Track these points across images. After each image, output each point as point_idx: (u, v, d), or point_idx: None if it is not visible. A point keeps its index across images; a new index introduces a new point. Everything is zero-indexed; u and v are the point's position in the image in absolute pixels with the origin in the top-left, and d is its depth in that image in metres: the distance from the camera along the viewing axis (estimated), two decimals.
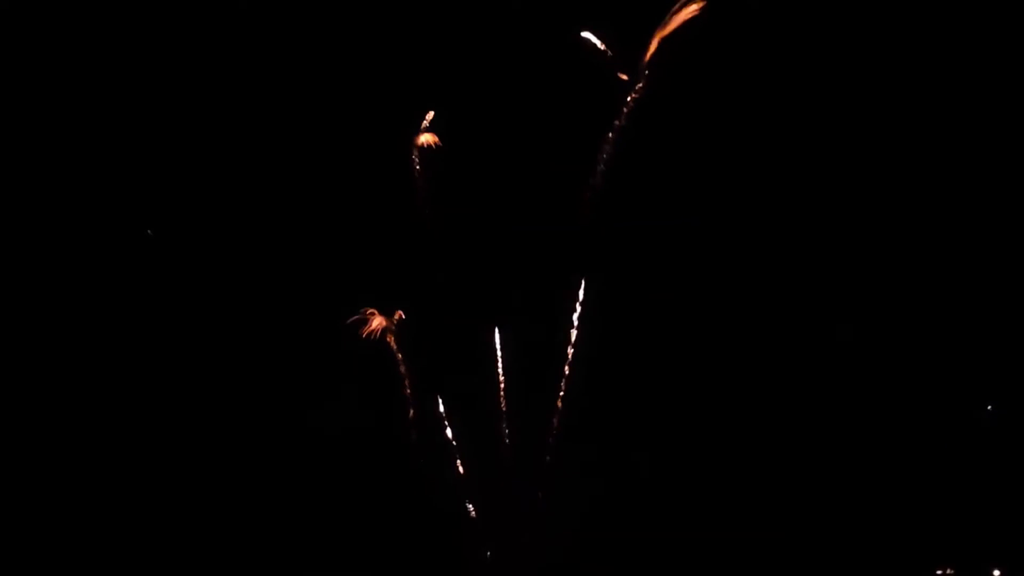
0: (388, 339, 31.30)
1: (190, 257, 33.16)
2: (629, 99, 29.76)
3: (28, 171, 32.80)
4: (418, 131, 31.36)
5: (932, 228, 32.08)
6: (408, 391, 31.84)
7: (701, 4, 28.14)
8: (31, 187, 32.79)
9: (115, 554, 31.36)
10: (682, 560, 31.80)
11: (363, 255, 32.28)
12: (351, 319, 30.96)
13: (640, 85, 29.47)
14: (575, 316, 31.91)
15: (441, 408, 31.93)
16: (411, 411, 31.76)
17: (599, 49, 29.72)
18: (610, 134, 30.66)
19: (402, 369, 31.75)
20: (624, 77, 29.52)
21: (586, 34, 29.53)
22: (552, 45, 30.84)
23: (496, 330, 32.21)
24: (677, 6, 28.47)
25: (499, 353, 32.31)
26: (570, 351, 31.89)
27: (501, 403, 32.36)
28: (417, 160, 31.56)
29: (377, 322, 30.96)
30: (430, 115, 31.39)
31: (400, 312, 31.52)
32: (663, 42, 28.69)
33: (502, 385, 32.36)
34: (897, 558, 31.35)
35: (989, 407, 31.89)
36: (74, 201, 32.97)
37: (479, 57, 32.37)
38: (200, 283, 32.81)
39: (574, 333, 31.94)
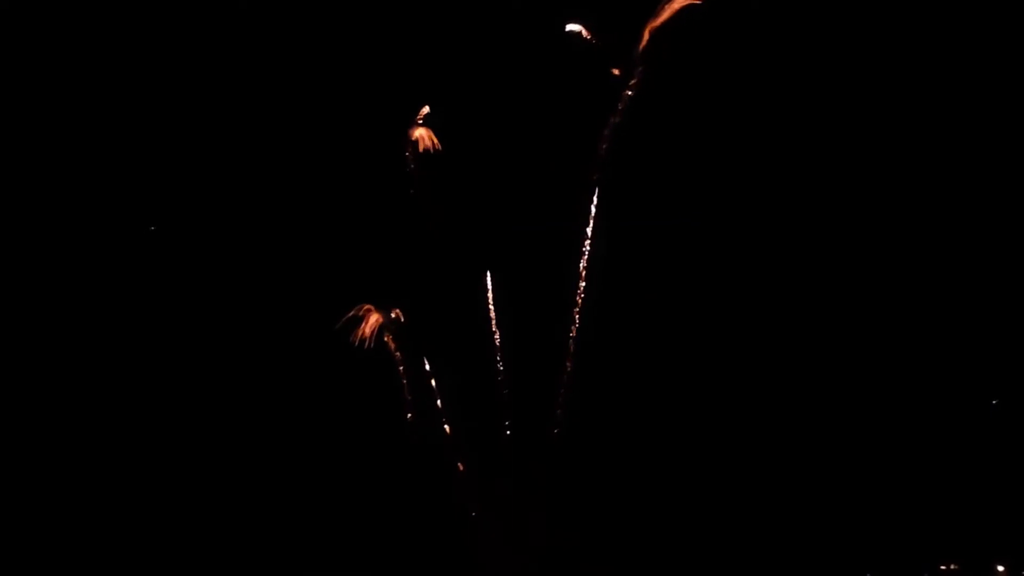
0: (386, 338, 30.98)
1: (191, 254, 33.15)
2: (625, 94, 29.47)
3: (30, 170, 32.93)
4: (413, 125, 31.06)
5: (932, 226, 31.80)
6: (406, 390, 31.53)
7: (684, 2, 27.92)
8: (33, 186, 32.92)
9: (115, 554, 31.35)
10: (683, 560, 31.55)
11: (362, 253, 32.12)
12: (347, 316, 30.58)
13: (634, 81, 29.15)
14: (575, 315, 31.64)
15: (439, 404, 31.59)
16: (409, 413, 31.48)
17: (592, 43, 29.44)
18: (606, 131, 30.44)
19: (400, 369, 31.46)
20: (616, 72, 29.24)
21: (575, 26, 29.26)
22: (547, 41, 30.61)
23: (495, 329, 32.03)
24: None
25: (498, 352, 32.10)
26: (570, 350, 31.66)
27: (501, 402, 32.17)
28: (412, 156, 31.27)
29: (374, 319, 30.64)
30: (425, 110, 31.12)
31: (398, 311, 31.16)
32: (657, 34, 28.43)
33: (501, 383, 32.14)
34: (902, 554, 30.95)
35: (994, 402, 31.50)
36: (77, 199, 33.08)
37: (476, 54, 32.25)
38: (200, 280, 32.74)
39: (574, 332, 31.71)
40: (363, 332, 30.50)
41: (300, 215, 32.79)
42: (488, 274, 32.33)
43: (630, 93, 29.33)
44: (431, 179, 31.85)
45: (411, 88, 32.29)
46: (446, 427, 31.88)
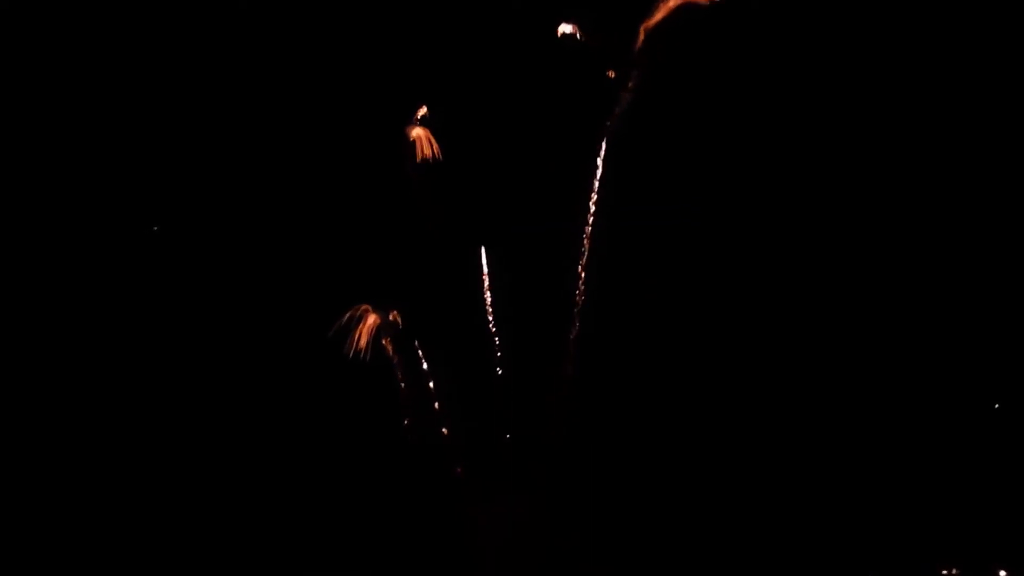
0: (384, 341, 30.76)
1: (189, 255, 33.13)
2: (622, 95, 29.37)
3: (30, 170, 32.94)
4: (411, 125, 30.94)
5: (936, 224, 31.58)
6: (404, 392, 31.36)
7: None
8: (33, 186, 32.93)
9: (112, 555, 31.36)
10: (684, 560, 31.46)
11: (360, 253, 32.02)
12: (345, 316, 30.38)
13: (631, 84, 29.07)
14: (575, 314, 31.56)
15: (438, 405, 31.44)
16: (406, 414, 31.33)
17: (587, 43, 29.38)
18: (604, 129, 30.33)
19: (398, 373, 31.26)
20: (611, 75, 29.21)
21: (567, 27, 29.20)
22: (545, 39, 30.52)
23: (494, 329, 31.93)
24: None
25: (498, 353, 31.99)
26: (570, 350, 31.57)
27: (501, 403, 32.03)
28: (411, 156, 31.15)
29: (372, 320, 30.43)
30: (422, 110, 31.01)
31: (396, 313, 30.96)
32: (652, 33, 28.34)
33: (501, 384, 32.03)
34: (900, 559, 30.79)
35: (996, 406, 31.28)
36: (77, 199, 33.07)
37: (474, 54, 32.16)
38: (195, 281, 32.73)
39: (574, 332, 31.62)
40: (360, 333, 30.28)
41: (297, 215, 32.72)
42: (484, 267, 32.17)
43: (628, 91, 29.28)
44: (430, 179, 31.70)
45: (407, 87, 32.26)
46: (445, 428, 31.72)
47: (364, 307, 30.61)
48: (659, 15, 28.17)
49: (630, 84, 29.27)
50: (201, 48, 32.51)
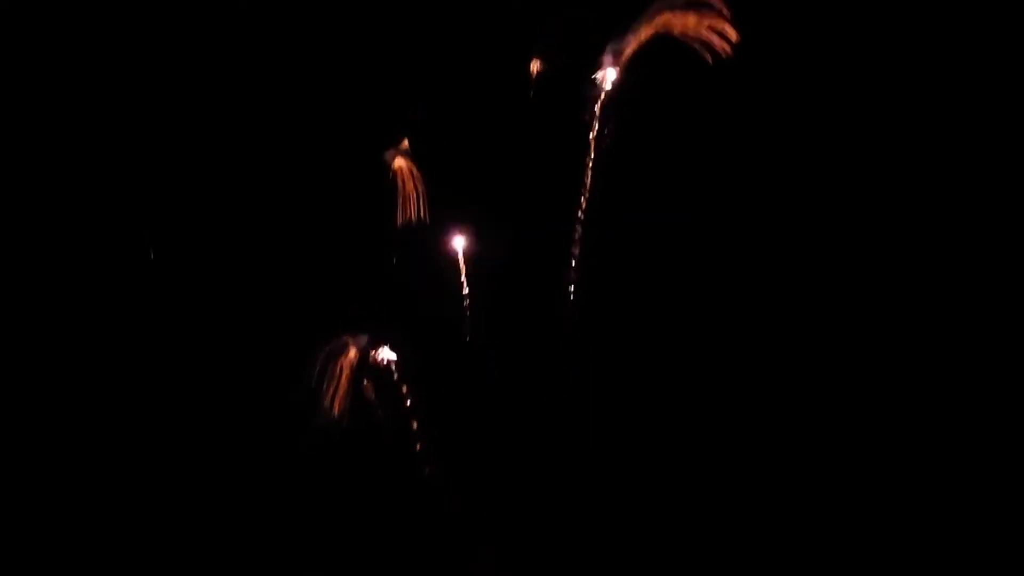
0: (365, 384, 30.50)
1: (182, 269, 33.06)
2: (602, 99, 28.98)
3: (26, 178, 32.82)
4: (394, 152, 30.55)
5: (933, 226, 31.01)
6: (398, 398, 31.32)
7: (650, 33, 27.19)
8: (29, 195, 32.83)
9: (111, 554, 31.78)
10: (683, 561, 31.57)
11: (351, 270, 31.84)
12: (326, 348, 30.19)
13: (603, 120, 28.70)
14: (569, 318, 31.45)
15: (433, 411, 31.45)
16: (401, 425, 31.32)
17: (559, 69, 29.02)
18: (593, 132, 29.94)
19: (380, 413, 31.15)
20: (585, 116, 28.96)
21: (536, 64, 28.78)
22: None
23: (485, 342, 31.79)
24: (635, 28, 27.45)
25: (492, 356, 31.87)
26: (563, 355, 31.44)
27: (496, 409, 31.97)
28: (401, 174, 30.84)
29: (353, 354, 30.21)
30: (405, 143, 30.58)
31: (376, 351, 30.69)
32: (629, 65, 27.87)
33: (496, 389, 31.93)
34: (901, 559, 30.78)
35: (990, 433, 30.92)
36: (69, 211, 32.98)
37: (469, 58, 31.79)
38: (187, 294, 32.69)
39: (568, 336, 31.50)
40: (340, 368, 30.04)
41: (282, 229, 32.54)
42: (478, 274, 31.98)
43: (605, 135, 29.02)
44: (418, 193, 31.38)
45: (401, 93, 31.89)
46: (441, 435, 31.73)
47: (345, 339, 30.30)
48: (631, 48, 27.62)
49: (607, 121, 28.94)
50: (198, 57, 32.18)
